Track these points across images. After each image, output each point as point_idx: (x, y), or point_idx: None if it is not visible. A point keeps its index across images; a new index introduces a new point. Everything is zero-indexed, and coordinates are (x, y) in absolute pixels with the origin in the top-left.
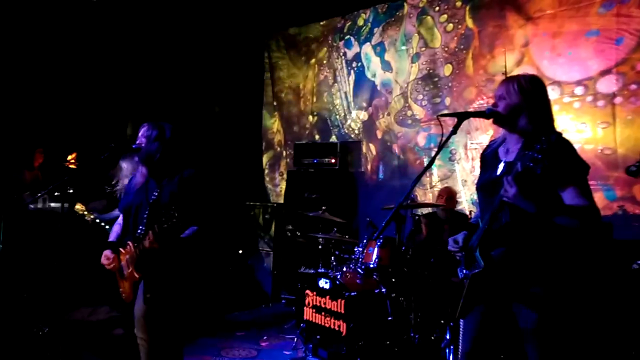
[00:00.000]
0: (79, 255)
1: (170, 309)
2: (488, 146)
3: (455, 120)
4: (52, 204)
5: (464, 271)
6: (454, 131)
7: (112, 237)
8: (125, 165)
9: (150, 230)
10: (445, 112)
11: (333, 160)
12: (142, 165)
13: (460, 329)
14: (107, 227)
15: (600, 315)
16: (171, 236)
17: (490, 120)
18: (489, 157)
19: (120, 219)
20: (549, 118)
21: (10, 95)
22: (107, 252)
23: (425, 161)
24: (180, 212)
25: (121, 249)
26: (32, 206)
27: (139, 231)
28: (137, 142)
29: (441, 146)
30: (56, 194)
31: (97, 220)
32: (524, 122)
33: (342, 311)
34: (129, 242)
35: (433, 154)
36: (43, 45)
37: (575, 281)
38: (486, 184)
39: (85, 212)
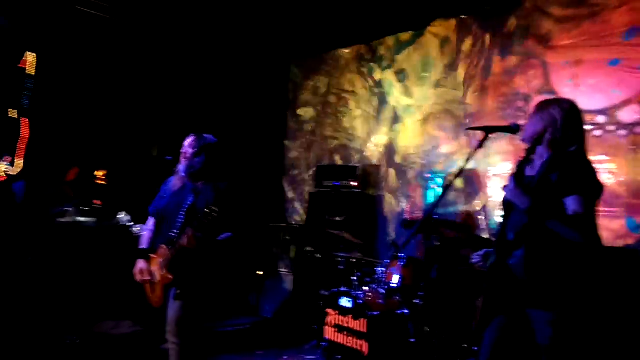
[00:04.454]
0: (106, 268)
1: (199, 310)
2: (518, 166)
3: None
4: (79, 218)
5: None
6: (481, 145)
7: (143, 243)
8: None
9: (189, 227)
10: (466, 138)
11: (354, 183)
12: (185, 174)
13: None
14: None
15: (617, 338)
16: (208, 236)
17: (508, 146)
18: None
19: (150, 224)
20: (581, 142)
21: (48, 114)
22: (141, 265)
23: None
24: (217, 217)
25: (152, 255)
26: (60, 220)
27: (173, 234)
28: (183, 150)
29: (468, 159)
30: (83, 208)
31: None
32: (553, 142)
33: (365, 330)
34: (162, 245)
35: (451, 178)
36: (81, 70)
37: (590, 300)
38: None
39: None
